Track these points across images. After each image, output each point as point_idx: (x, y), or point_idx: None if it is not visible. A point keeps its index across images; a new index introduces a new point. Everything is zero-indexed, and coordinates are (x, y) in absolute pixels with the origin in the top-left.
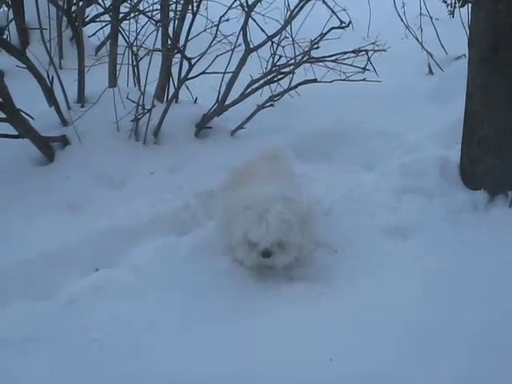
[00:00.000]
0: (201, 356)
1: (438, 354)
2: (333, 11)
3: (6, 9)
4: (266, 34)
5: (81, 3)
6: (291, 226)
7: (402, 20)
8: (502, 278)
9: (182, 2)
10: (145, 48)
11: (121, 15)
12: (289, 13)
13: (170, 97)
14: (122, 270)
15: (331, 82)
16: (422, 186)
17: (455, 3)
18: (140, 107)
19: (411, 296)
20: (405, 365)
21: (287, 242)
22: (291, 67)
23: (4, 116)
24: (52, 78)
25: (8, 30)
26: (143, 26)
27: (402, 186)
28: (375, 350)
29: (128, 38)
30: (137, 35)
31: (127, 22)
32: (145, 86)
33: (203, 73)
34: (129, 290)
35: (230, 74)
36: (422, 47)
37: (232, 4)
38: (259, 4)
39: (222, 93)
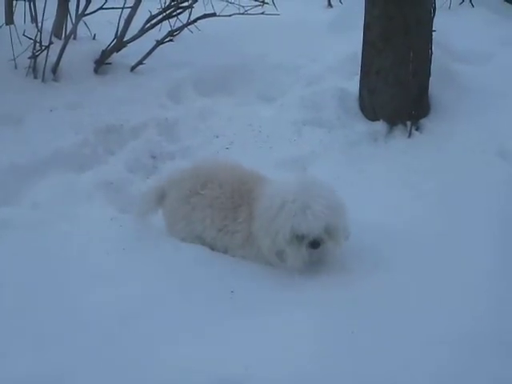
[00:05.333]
0: (98, 283)
1: None
2: None
3: None
4: None
5: None
6: (335, 210)
7: None
8: (400, 204)
9: None
10: None
11: None
12: None
13: (67, 33)
14: (21, 207)
15: (230, 15)
16: (322, 118)
17: None
18: (37, 44)
19: None
20: None
21: (335, 227)
22: (190, 1)
23: None
24: None
25: None
26: None
27: (302, 119)
28: None
29: None
30: None
31: None
32: (42, 23)
33: (101, 8)
34: (28, 227)
35: (129, 10)
36: None
37: None
38: None
39: (120, 28)
